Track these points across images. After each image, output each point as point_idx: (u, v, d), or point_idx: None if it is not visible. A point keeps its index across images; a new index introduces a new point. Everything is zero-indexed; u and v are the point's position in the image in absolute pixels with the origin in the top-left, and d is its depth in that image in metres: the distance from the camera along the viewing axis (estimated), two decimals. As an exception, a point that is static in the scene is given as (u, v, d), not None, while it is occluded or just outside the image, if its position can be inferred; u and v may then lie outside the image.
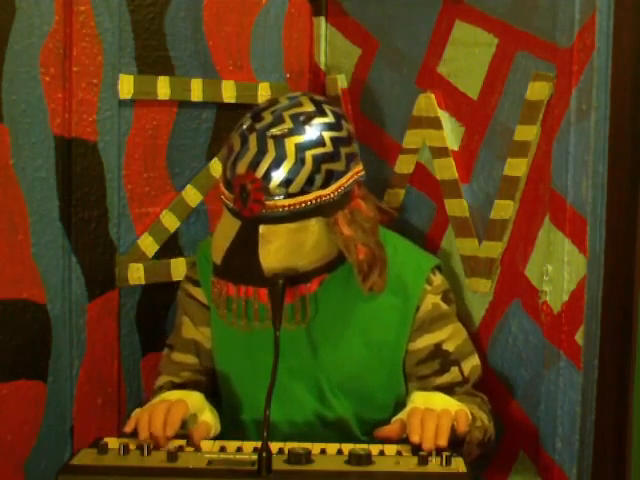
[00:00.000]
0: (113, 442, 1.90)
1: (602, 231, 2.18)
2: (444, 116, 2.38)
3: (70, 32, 2.16)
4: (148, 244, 2.33)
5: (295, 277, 1.97)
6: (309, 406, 2.12)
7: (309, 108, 1.99)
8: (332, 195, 1.97)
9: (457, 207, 2.35)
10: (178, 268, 2.37)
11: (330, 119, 1.99)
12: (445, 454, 1.82)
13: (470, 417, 1.97)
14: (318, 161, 1.94)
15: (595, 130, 2.15)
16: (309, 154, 1.94)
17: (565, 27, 2.16)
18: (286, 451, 1.85)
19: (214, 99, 2.40)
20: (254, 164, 1.93)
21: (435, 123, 2.38)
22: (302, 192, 1.94)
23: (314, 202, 1.95)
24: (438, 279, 2.16)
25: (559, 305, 2.20)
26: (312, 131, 1.96)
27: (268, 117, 1.97)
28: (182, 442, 1.92)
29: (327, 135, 1.96)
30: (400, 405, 2.07)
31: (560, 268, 2.20)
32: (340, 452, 1.87)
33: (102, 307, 2.27)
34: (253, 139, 1.95)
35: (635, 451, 2.26)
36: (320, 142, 1.95)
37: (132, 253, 2.31)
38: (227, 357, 2.17)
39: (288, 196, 1.93)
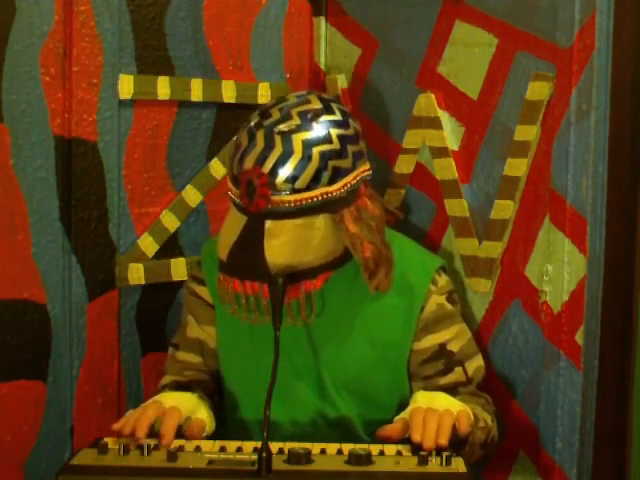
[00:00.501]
0: (113, 442, 1.89)
1: (602, 231, 2.18)
2: (444, 116, 2.38)
3: (70, 32, 2.16)
4: (148, 244, 2.33)
5: (300, 273, 1.98)
6: (312, 405, 2.12)
7: (317, 105, 2.00)
8: (338, 192, 1.97)
9: (457, 207, 2.35)
10: (178, 268, 2.37)
11: (338, 117, 2.00)
12: (445, 454, 1.82)
13: (472, 418, 1.97)
14: (325, 158, 1.95)
15: (595, 130, 2.15)
16: (316, 150, 1.95)
17: (565, 27, 2.16)
18: (286, 451, 1.85)
19: (214, 99, 2.40)
20: (261, 159, 1.94)
21: (435, 123, 2.38)
22: (308, 188, 1.94)
23: (320, 198, 1.96)
24: (443, 280, 2.16)
25: (559, 305, 2.20)
26: (319, 128, 1.97)
27: (276, 114, 1.98)
28: (182, 442, 1.92)
29: (334, 132, 1.97)
30: (404, 405, 2.07)
31: (560, 268, 2.20)
32: (340, 452, 1.87)
33: (102, 307, 2.27)
34: (260, 135, 1.95)
35: (635, 451, 2.26)
36: (327, 139, 1.96)
37: (132, 253, 2.31)
38: (231, 356, 2.17)
39: (294, 192, 1.94)
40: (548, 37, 2.19)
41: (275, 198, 1.93)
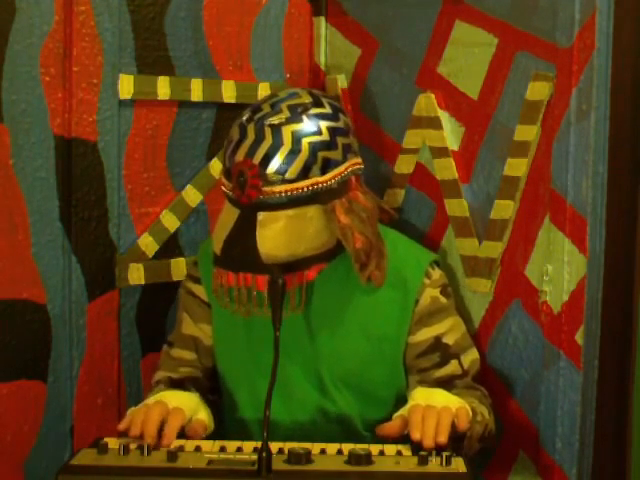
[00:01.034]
0: (113, 442, 1.90)
1: (602, 231, 2.18)
2: (444, 116, 2.38)
3: (70, 32, 2.16)
4: (148, 244, 2.33)
5: (294, 264, 1.99)
6: (311, 401, 2.13)
7: (307, 99, 2.03)
8: (329, 183, 2.00)
9: (457, 207, 2.35)
10: (178, 268, 2.37)
11: (327, 110, 2.03)
12: (445, 454, 1.82)
13: (470, 414, 1.98)
14: (314, 149, 1.98)
15: (595, 130, 2.15)
16: (305, 141, 1.98)
17: (565, 27, 2.16)
18: (286, 451, 1.85)
19: (214, 99, 2.40)
20: (251, 151, 1.97)
21: (435, 123, 2.38)
22: (298, 179, 1.97)
23: (311, 189, 1.98)
24: (436, 273, 2.18)
25: (559, 305, 2.20)
26: (309, 120, 2.00)
27: (267, 108, 2.02)
28: (182, 442, 1.92)
29: (324, 125, 2.01)
30: (401, 399, 2.09)
31: (560, 268, 2.20)
32: (340, 452, 1.87)
33: (102, 307, 2.27)
34: (251, 128, 1.99)
35: (635, 451, 2.26)
36: (317, 131, 2.00)
37: (132, 253, 2.31)
38: (228, 354, 2.18)
39: (285, 182, 1.97)
40: (548, 37, 2.19)
41: (266, 189, 1.96)
